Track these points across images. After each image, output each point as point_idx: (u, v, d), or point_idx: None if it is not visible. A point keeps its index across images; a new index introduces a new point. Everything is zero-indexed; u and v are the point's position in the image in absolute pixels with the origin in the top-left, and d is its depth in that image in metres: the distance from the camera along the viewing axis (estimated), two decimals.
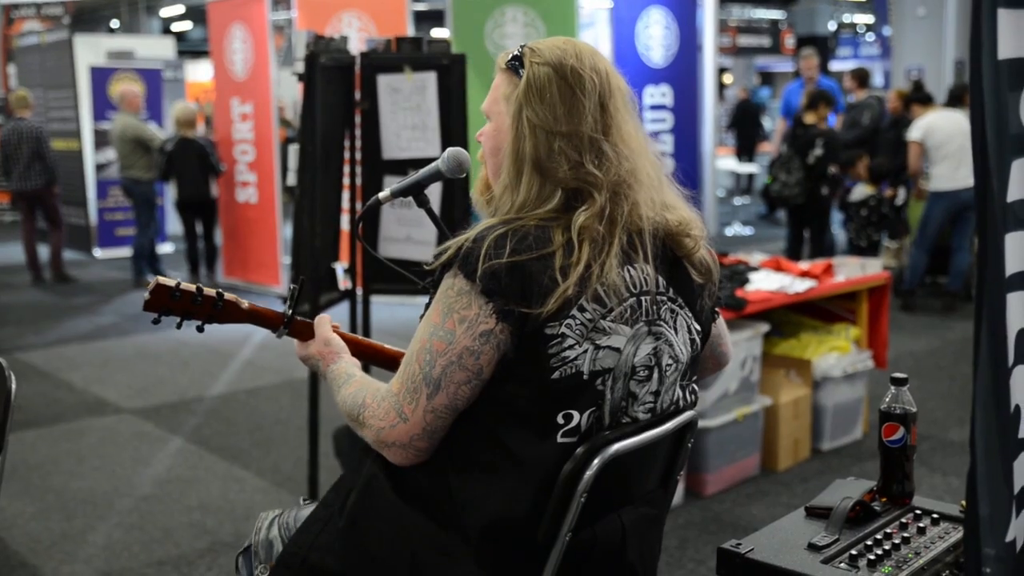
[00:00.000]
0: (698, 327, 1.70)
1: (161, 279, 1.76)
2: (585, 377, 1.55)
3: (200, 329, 1.83)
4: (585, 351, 1.54)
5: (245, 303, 1.84)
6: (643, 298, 1.60)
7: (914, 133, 7.34)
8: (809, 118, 7.63)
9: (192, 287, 1.78)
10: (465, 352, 1.54)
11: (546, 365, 1.53)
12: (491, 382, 1.56)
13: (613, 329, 1.56)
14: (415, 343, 1.59)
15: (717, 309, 1.80)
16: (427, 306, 1.62)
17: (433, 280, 1.60)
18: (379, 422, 1.60)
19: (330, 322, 1.88)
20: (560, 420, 1.55)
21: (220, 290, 1.82)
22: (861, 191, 7.82)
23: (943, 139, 7.13)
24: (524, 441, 1.56)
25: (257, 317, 1.85)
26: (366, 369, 1.90)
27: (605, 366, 1.56)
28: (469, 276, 1.53)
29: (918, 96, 8.00)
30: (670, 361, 1.64)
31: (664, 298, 1.63)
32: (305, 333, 1.87)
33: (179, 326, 1.82)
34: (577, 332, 1.53)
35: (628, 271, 1.58)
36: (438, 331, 1.56)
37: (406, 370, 1.59)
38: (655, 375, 1.62)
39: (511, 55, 1.67)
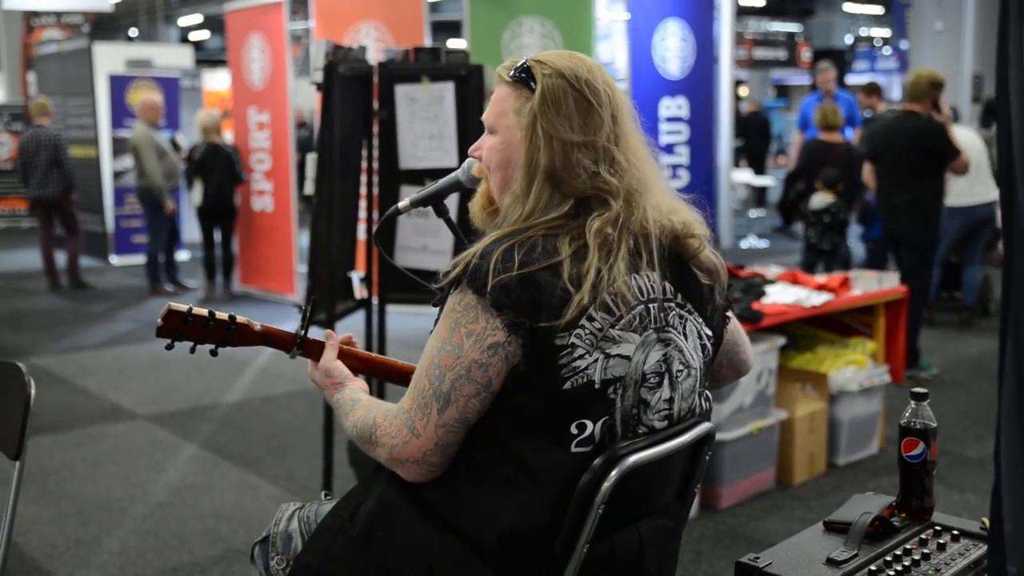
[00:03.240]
0: (709, 332, 1.70)
1: (173, 305, 1.75)
2: (597, 386, 1.55)
3: (214, 353, 1.83)
4: (596, 360, 1.54)
5: (258, 325, 1.84)
6: (651, 305, 1.60)
7: None
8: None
9: (204, 311, 1.78)
10: (474, 365, 1.54)
11: (557, 376, 1.53)
12: (502, 394, 1.56)
13: (622, 337, 1.56)
14: (424, 359, 1.61)
15: (730, 315, 1.80)
16: (436, 322, 1.62)
17: (441, 298, 1.61)
18: (391, 440, 1.61)
19: (337, 346, 1.86)
20: (574, 430, 1.55)
21: (232, 314, 1.82)
22: (821, 199, 7.80)
23: None
24: (538, 452, 1.55)
25: (270, 339, 1.85)
26: (381, 387, 1.89)
27: (616, 374, 1.56)
28: (478, 291, 1.53)
29: None
30: (681, 367, 1.64)
31: (672, 304, 1.64)
32: (319, 353, 1.87)
33: (192, 351, 1.82)
34: (587, 342, 1.54)
35: (635, 279, 1.59)
36: (446, 346, 1.57)
37: (416, 386, 1.60)
38: (666, 381, 1.62)
39: (516, 67, 1.66)
